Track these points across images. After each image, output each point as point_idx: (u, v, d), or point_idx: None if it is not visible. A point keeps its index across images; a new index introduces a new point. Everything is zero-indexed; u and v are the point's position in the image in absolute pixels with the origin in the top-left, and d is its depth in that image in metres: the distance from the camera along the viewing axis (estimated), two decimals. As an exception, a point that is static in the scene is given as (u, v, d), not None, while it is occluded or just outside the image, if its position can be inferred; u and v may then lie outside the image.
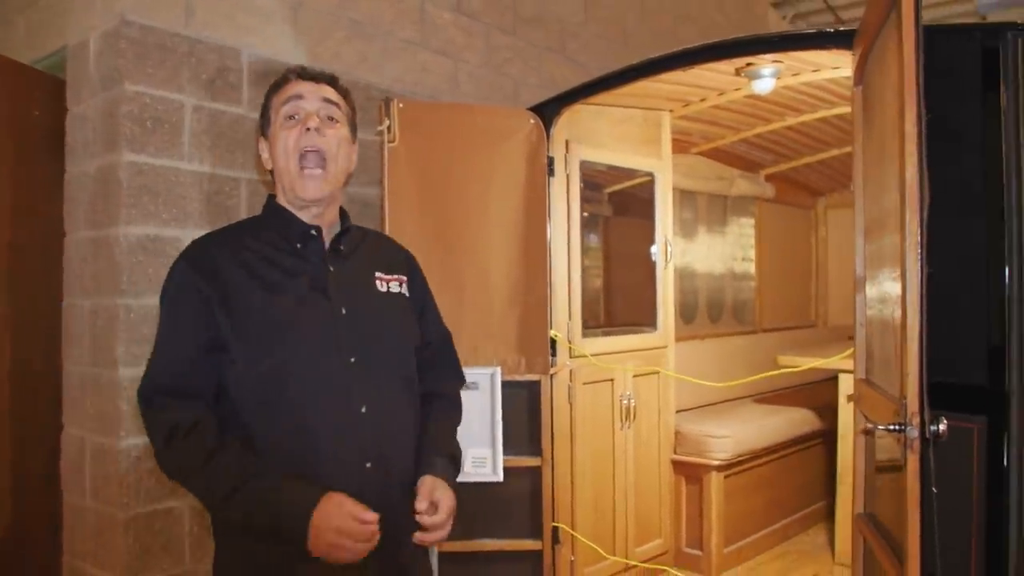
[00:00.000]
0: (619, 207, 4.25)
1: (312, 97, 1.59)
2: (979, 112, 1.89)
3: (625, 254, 4.19)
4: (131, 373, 2.73)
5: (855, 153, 2.04)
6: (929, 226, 1.52)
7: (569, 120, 3.04)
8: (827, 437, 4.24)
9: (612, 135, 3.30)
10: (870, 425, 1.54)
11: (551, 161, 2.96)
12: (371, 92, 3.44)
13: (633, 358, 3.32)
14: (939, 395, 1.56)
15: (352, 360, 1.52)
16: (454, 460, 1.66)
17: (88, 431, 2.88)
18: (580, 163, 3.11)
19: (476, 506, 2.72)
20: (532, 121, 2.89)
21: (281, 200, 1.63)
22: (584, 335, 3.13)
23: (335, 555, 1.38)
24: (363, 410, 1.51)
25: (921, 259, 1.48)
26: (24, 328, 2.95)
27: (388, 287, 1.66)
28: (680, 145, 4.17)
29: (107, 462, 2.77)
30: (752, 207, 5.15)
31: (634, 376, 3.30)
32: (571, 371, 3.02)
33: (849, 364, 3.29)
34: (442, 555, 2.70)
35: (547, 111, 2.93)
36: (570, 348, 3.01)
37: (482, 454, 2.55)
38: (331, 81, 1.65)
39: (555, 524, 2.91)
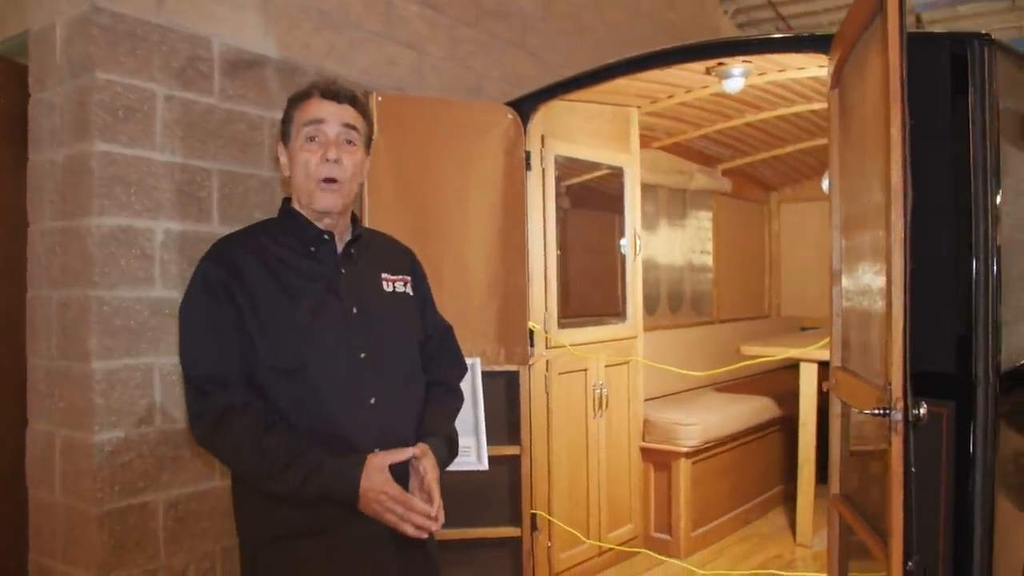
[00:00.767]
0: (576, 200, 4.32)
1: (333, 121, 1.69)
2: (949, 115, 2.00)
3: (584, 246, 4.27)
4: (104, 366, 2.68)
5: (831, 153, 2.14)
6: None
7: (544, 115, 3.09)
8: (784, 424, 4.40)
9: (584, 131, 3.36)
10: (856, 410, 1.63)
11: (528, 155, 3.00)
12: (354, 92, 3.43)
13: (605, 348, 3.39)
14: (912, 381, 1.66)
15: (362, 356, 1.65)
16: (449, 440, 1.79)
17: (57, 425, 2.81)
18: (555, 157, 3.16)
19: (456, 495, 2.75)
20: (510, 116, 2.93)
21: (296, 205, 1.74)
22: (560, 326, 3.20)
23: (383, 516, 1.55)
24: (372, 401, 1.65)
25: (906, 256, 1.58)
26: (-16, 321, 2.87)
27: (394, 287, 1.79)
28: (643, 140, 4.24)
29: (79, 457, 2.72)
30: (710, 201, 5.28)
31: (605, 366, 3.38)
32: (547, 361, 3.08)
33: (816, 354, 3.46)
34: (422, 544, 2.73)
35: (524, 106, 2.97)
36: (546, 338, 3.07)
37: (466, 443, 2.58)
38: (352, 101, 1.74)
39: (533, 511, 2.97)
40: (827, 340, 2.25)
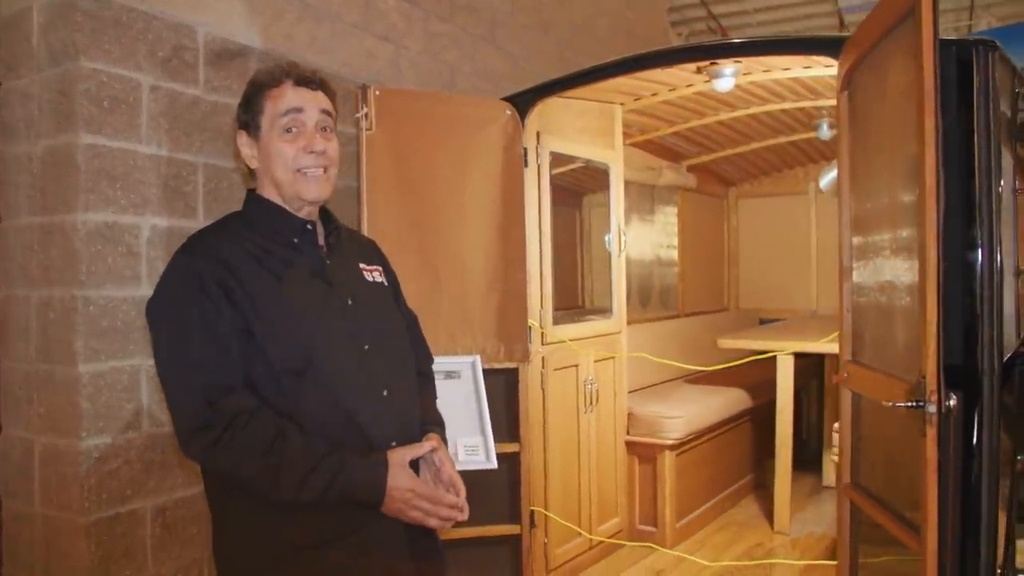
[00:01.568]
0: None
1: (311, 110, 1.59)
2: (955, 117, 2.08)
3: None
4: (91, 369, 2.57)
5: (840, 154, 2.20)
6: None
7: (538, 111, 3.09)
8: (753, 415, 4.53)
9: (575, 127, 3.37)
10: (888, 403, 1.69)
11: (525, 152, 3.00)
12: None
13: (593, 344, 3.42)
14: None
15: (366, 348, 1.58)
16: (444, 429, 1.77)
17: (36, 432, 2.68)
18: (549, 154, 3.17)
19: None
20: (508, 112, 2.92)
21: (271, 196, 1.62)
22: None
23: (408, 513, 1.50)
24: (385, 393, 1.59)
25: (939, 254, 1.64)
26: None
27: (373, 277, 1.72)
28: (619, 136, 4.30)
29: (63, 464, 2.60)
30: (676, 197, 5.37)
31: (595, 361, 3.41)
32: (543, 358, 3.08)
33: (823, 348, 3.56)
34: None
35: (521, 102, 2.96)
36: (542, 334, 3.07)
37: (473, 442, 2.56)
38: (323, 85, 1.65)
39: (532, 508, 2.97)
40: (835, 334, 2.31)
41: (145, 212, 2.73)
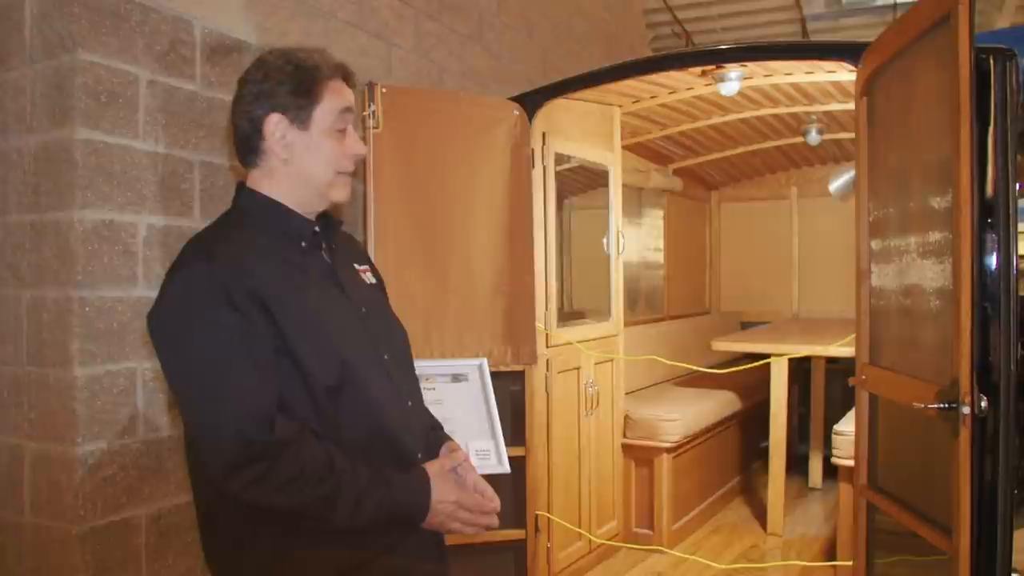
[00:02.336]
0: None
1: (355, 109, 1.52)
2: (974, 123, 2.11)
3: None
4: (87, 372, 2.47)
5: (858, 158, 2.21)
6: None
7: (543, 112, 3.06)
8: (741, 417, 4.56)
9: (577, 128, 3.35)
10: (919, 405, 1.70)
11: (532, 153, 2.97)
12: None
13: (593, 347, 3.41)
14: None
15: (386, 357, 1.51)
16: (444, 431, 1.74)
17: (27, 438, 2.57)
18: (554, 155, 3.15)
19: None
20: (516, 112, 2.89)
21: (271, 192, 1.47)
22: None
23: (447, 525, 1.46)
24: (409, 404, 1.54)
25: (974, 259, 1.65)
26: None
27: (368, 279, 1.62)
28: (612, 139, 4.29)
29: (57, 471, 2.50)
30: (662, 200, 5.39)
31: (595, 364, 3.39)
32: (548, 360, 3.06)
33: (833, 351, 3.58)
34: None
35: (529, 103, 2.93)
36: (547, 337, 3.05)
37: (484, 447, 2.52)
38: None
39: (537, 512, 2.94)
40: (850, 337, 2.32)
41: (142, 210, 2.64)
